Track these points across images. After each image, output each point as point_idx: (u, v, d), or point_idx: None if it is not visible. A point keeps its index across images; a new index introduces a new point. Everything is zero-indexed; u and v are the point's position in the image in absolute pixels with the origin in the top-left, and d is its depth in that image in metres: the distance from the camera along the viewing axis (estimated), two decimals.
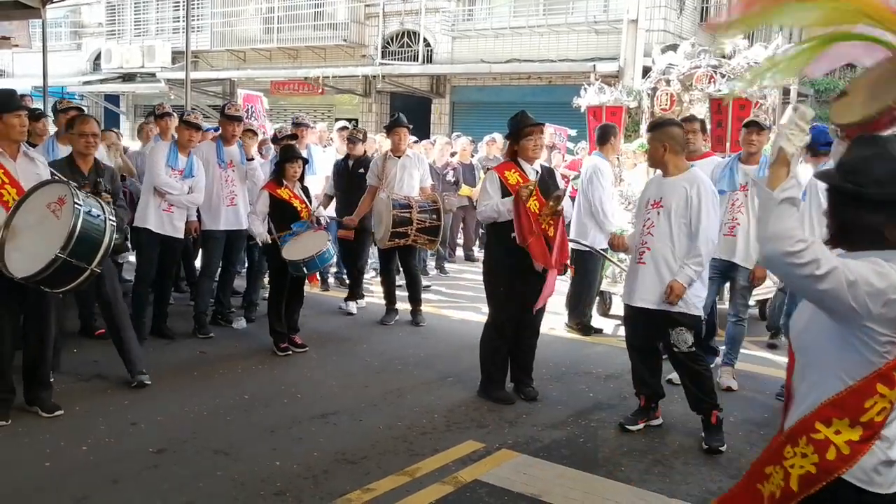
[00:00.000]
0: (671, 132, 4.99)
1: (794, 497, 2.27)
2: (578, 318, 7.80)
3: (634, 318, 5.22)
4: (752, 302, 6.86)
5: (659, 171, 5.15)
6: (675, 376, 6.23)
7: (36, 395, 5.07)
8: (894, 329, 2.16)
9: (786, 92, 8.79)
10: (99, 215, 4.69)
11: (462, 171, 11.28)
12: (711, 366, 6.55)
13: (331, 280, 9.74)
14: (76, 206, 4.51)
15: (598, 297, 8.28)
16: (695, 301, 5.00)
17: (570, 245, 7.18)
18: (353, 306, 8.39)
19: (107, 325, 5.83)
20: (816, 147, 5.84)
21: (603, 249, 7.45)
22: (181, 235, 7.01)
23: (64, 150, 6.67)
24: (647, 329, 5.18)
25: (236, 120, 7.29)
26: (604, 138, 7.67)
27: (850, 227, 2.30)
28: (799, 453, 2.27)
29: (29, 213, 4.67)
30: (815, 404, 2.27)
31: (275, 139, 8.55)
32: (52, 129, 7.65)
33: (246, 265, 8.61)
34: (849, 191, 2.27)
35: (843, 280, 2.11)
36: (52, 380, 5.25)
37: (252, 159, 7.29)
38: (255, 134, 8.46)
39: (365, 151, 8.61)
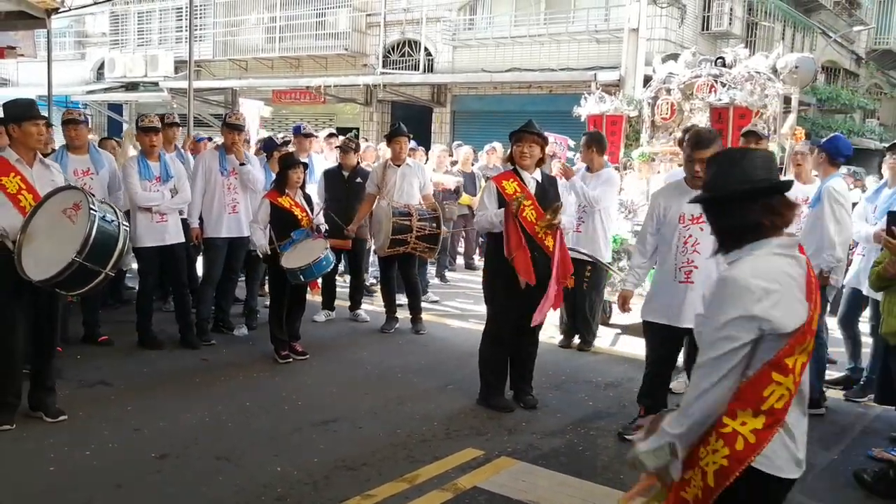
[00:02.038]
0: (721, 143, 4.81)
1: (713, 492, 2.37)
2: (586, 333, 7.68)
3: (670, 338, 5.00)
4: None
5: (677, 182, 4.99)
6: (675, 385, 6.28)
7: (41, 400, 5.12)
8: (780, 319, 2.32)
9: (787, 101, 8.82)
10: (113, 220, 4.79)
11: (463, 180, 11.32)
12: None
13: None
14: (91, 211, 4.62)
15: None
16: None
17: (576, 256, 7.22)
18: (362, 314, 8.45)
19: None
20: (835, 157, 5.92)
21: (609, 263, 7.49)
22: (182, 239, 7.06)
23: (74, 159, 6.72)
24: (677, 347, 5.10)
25: (237, 129, 7.32)
26: (603, 147, 7.63)
27: (729, 229, 2.52)
28: (710, 450, 2.38)
29: (45, 219, 4.77)
30: None
31: (266, 147, 8.59)
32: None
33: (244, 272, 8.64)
34: (719, 195, 2.54)
35: (746, 338, 2.32)
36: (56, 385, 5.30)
37: (244, 164, 7.29)
38: (246, 140, 8.49)
39: (358, 161, 8.64)
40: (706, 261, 4.65)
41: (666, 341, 5.04)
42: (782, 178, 3.01)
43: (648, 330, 5.13)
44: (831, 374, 6.68)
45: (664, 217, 4.95)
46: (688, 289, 4.82)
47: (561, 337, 7.78)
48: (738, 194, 2.47)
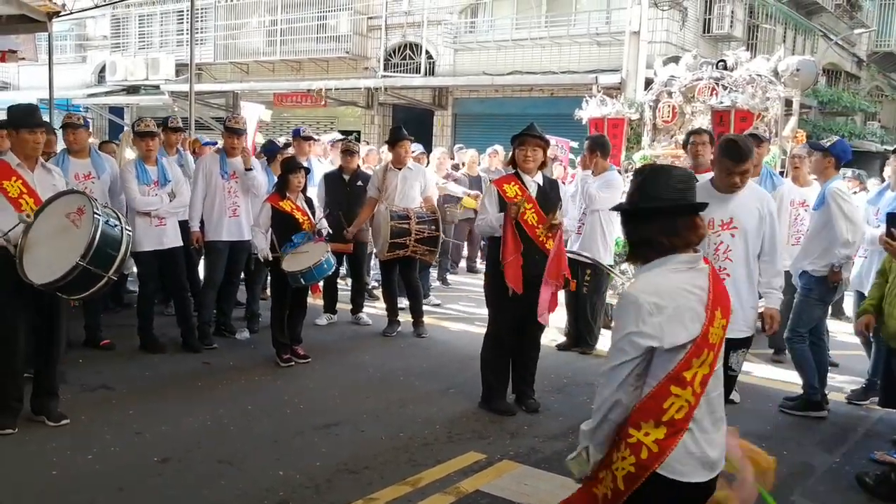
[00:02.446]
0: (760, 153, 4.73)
1: (623, 494, 2.55)
2: (588, 337, 7.69)
3: None
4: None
5: (704, 185, 4.52)
6: None
7: (43, 404, 5.12)
8: (671, 334, 2.47)
9: (788, 104, 8.81)
10: (116, 225, 4.79)
11: (469, 183, 11.34)
12: None
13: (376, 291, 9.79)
14: (95, 216, 4.62)
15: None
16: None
17: (578, 259, 7.24)
18: (364, 317, 8.45)
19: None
20: (842, 161, 5.95)
21: (609, 265, 7.50)
22: (180, 242, 7.08)
23: (75, 162, 6.72)
24: None
25: (237, 133, 7.33)
26: (607, 150, 7.62)
27: (634, 242, 2.65)
28: (620, 457, 2.55)
29: (47, 223, 4.78)
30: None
31: (268, 151, 8.60)
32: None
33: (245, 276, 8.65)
34: (626, 209, 2.67)
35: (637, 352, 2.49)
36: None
37: (250, 169, 7.30)
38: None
39: (358, 165, 8.65)
40: (738, 268, 4.51)
41: None
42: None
43: None
44: (835, 377, 6.67)
45: None
46: None
47: (563, 340, 7.77)
48: (642, 211, 2.60)
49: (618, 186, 7.50)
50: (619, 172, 8.97)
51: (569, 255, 6.15)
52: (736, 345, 4.37)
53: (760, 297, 4.74)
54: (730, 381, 4.46)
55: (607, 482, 2.60)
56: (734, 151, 4.41)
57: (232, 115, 8.25)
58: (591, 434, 2.60)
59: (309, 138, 9.23)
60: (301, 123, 22.68)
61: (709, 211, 4.16)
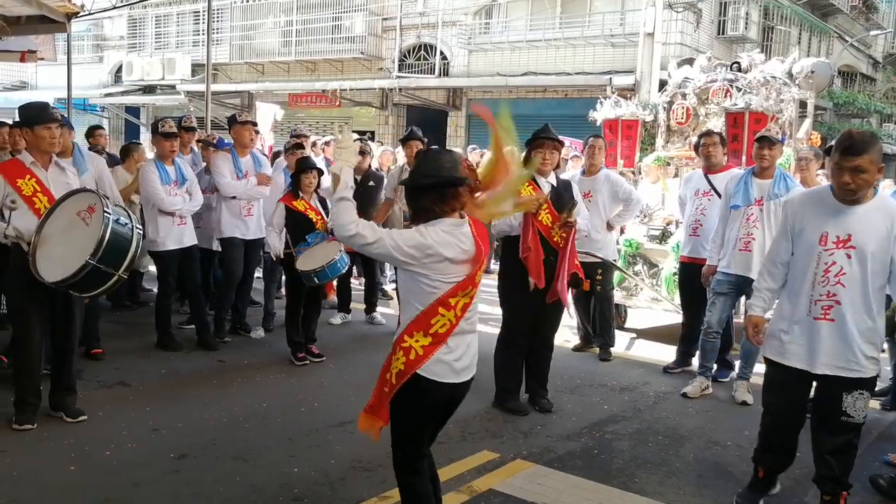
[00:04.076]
0: (881, 148, 3.91)
1: (394, 387, 3.31)
2: (607, 338, 7.67)
3: (796, 383, 4.11)
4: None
5: (820, 193, 4.12)
6: (689, 390, 6.29)
7: (61, 401, 5.18)
8: (439, 273, 3.25)
9: (802, 105, 8.80)
10: (126, 224, 4.81)
11: None
12: (726, 380, 6.62)
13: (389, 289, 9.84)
14: (106, 214, 4.64)
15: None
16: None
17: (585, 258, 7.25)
18: (378, 316, 8.49)
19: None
20: None
21: (613, 260, 7.51)
22: (195, 241, 7.17)
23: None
24: (804, 394, 4.16)
25: (248, 125, 7.41)
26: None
27: (416, 209, 3.36)
28: (396, 358, 3.32)
29: (59, 221, 4.81)
30: (405, 324, 3.35)
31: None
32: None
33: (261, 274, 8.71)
34: (408, 184, 3.40)
35: (389, 244, 3.21)
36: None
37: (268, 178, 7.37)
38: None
39: (370, 165, 8.68)
40: (852, 295, 3.89)
41: (790, 387, 4.14)
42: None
43: (770, 370, 4.25)
44: None
45: (800, 234, 4.06)
46: (824, 327, 3.94)
47: (577, 341, 7.78)
48: (420, 186, 3.32)
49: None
50: (633, 174, 9.02)
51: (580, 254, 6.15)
52: (848, 385, 3.92)
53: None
54: (843, 431, 3.99)
55: (389, 377, 3.34)
56: (843, 142, 3.83)
57: (239, 111, 8.28)
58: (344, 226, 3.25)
59: (301, 135, 9.08)
60: (316, 123, 22.83)
61: (823, 223, 3.96)
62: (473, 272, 3.32)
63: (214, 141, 8.62)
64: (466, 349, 3.41)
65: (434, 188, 3.28)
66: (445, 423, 3.62)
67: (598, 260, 7.26)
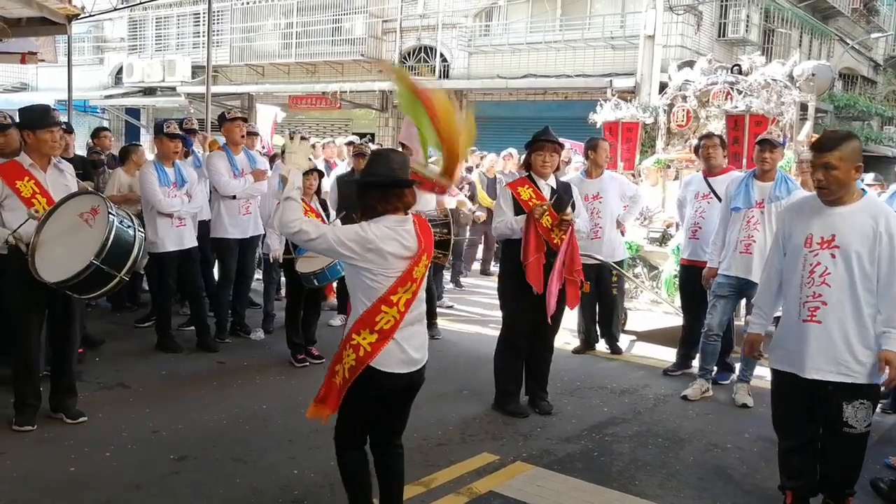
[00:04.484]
0: (858, 147, 3.88)
1: (348, 381, 3.48)
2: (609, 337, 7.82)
3: (790, 390, 4.07)
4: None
5: (810, 197, 4.13)
6: (689, 392, 6.28)
7: (61, 402, 5.18)
8: (381, 267, 3.42)
9: (803, 108, 8.79)
10: (130, 226, 4.83)
11: (486, 185, 11.38)
12: (726, 382, 6.62)
13: None
14: (110, 215, 4.65)
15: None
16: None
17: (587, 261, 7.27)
18: None
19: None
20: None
21: (617, 263, 7.51)
22: (195, 242, 7.17)
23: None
24: (806, 403, 4.03)
25: (238, 121, 7.44)
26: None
27: (363, 205, 3.54)
28: (346, 354, 3.49)
29: (60, 222, 4.81)
30: (352, 321, 3.52)
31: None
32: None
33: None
34: (358, 181, 3.62)
35: (332, 239, 3.41)
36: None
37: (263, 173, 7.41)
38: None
39: None
40: (839, 296, 3.84)
41: (783, 390, 4.13)
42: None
43: (774, 380, 4.23)
44: None
45: (789, 239, 4.08)
46: (812, 329, 3.90)
47: (577, 343, 7.78)
48: (369, 184, 3.52)
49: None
50: (634, 176, 9.01)
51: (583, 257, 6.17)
52: (847, 393, 3.84)
53: None
54: (847, 440, 3.90)
55: (341, 372, 3.51)
56: (816, 140, 3.92)
57: (228, 109, 8.27)
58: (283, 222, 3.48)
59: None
60: (316, 125, 22.84)
61: (808, 226, 3.96)
62: (411, 267, 3.48)
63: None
64: (415, 339, 3.60)
65: (380, 187, 3.49)
66: (406, 412, 3.82)
67: (597, 262, 7.28)
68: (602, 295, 7.62)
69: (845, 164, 3.78)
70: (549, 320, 5.66)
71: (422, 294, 3.60)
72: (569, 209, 5.54)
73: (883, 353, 3.74)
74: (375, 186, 3.49)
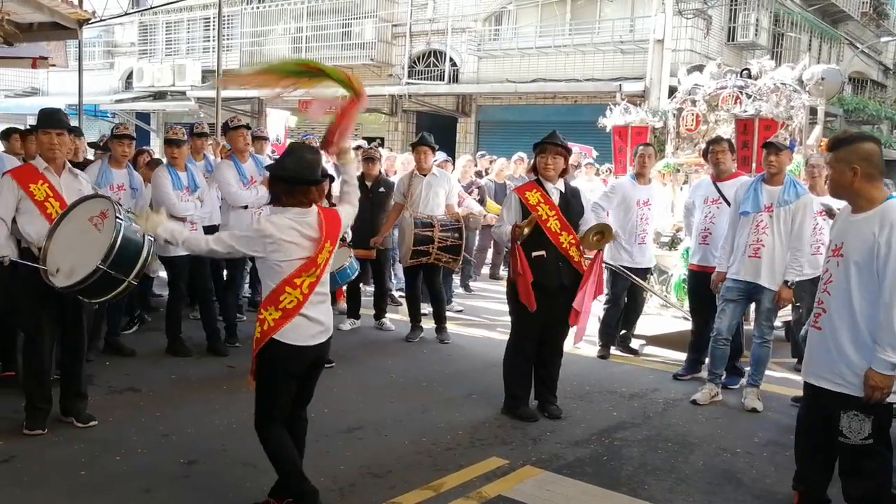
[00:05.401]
0: (864, 150, 3.78)
1: (254, 351, 3.86)
2: (624, 340, 7.91)
3: (805, 394, 4.15)
4: (777, 323, 6.85)
5: (846, 205, 4.00)
6: (699, 397, 6.27)
7: (72, 406, 5.19)
8: (283, 255, 3.74)
9: (813, 112, 8.79)
10: (139, 230, 4.81)
11: (494, 190, 11.37)
12: (736, 387, 6.60)
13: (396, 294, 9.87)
14: (118, 220, 4.65)
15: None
16: None
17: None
18: (387, 322, 8.50)
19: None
20: None
21: (646, 269, 7.57)
22: None
23: (116, 174, 6.74)
24: (816, 409, 4.05)
25: (241, 129, 7.46)
26: None
27: (272, 193, 3.93)
28: (256, 329, 3.84)
29: (71, 226, 4.82)
30: (263, 299, 3.85)
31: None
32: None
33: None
34: (270, 170, 3.96)
35: (236, 245, 3.84)
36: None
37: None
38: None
39: (380, 171, 8.71)
40: (837, 305, 3.82)
41: (806, 397, 4.17)
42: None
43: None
44: None
45: (828, 248, 4.05)
46: (815, 335, 3.96)
47: (599, 347, 7.75)
48: (277, 176, 3.83)
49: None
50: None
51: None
52: (842, 403, 3.80)
53: None
54: (843, 448, 3.87)
55: (252, 346, 3.89)
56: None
57: (233, 117, 8.27)
58: (179, 234, 4.03)
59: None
60: (324, 130, 22.81)
61: (833, 232, 4.03)
62: (315, 255, 3.79)
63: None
64: (319, 318, 3.91)
65: (287, 181, 3.78)
66: (312, 386, 4.14)
67: (612, 268, 7.31)
68: (631, 296, 7.70)
69: (840, 166, 3.78)
70: (558, 324, 5.70)
71: (326, 278, 3.95)
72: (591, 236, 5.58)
73: (868, 370, 3.66)
74: (283, 181, 3.79)
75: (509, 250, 5.62)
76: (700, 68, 9.62)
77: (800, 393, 4.41)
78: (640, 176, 7.48)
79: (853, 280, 3.74)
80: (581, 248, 5.65)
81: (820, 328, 3.91)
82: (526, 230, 5.46)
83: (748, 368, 6.41)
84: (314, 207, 3.87)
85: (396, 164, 11.09)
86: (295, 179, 3.79)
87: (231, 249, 3.86)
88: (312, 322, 3.87)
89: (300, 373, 3.96)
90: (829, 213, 6.39)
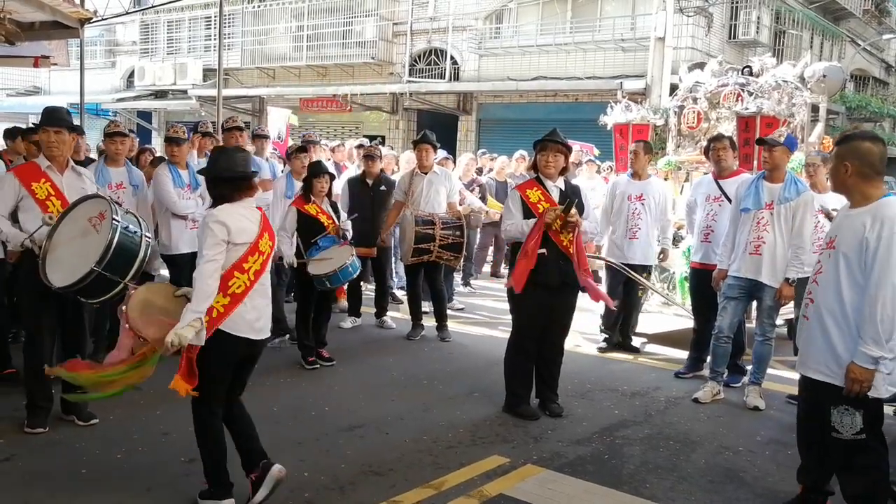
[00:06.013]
0: (860, 148, 3.82)
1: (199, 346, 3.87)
2: (624, 337, 7.93)
3: (799, 386, 4.23)
4: (779, 321, 6.84)
5: (846, 203, 4.05)
6: (701, 395, 6.26)
7: (73, 404, 5.18)
8: (234, 238, 3.91)
9: (814, 109, 8.76)
10: (136, 231, 4.79)
11: (495, 188, 11.36)
12: (738, 385, 6.59)
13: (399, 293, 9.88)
14: (114, 221, 4.62)
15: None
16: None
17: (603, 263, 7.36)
18: (388, 320, 8.50)
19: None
20: None
21: (645, 267, 7.55)
22: None
23: (114, 173, 6.75)
24: (810, 401, 4.09)
25: (234, 132, 7.44)
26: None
27: (215, 194, 4.07)
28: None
29: (71, 226, 4.80)
30: None
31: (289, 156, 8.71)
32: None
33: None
34: (207, 175, 4.15)
35: (218, 258, 3.88)
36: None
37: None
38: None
39: (382, 169, 8.70)
40: (824, 296, 3.87)
41: (799, 391, 4.25)
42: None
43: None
44: None
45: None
46: (805, 325, 4.03)
47: (586, 345, 7.77)
48: (220, 178, 4.05)
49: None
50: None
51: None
52: (832, 396, 3.79)
53: None
54: (835, 443, 3.85)
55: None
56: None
57: (231, 117, 8.28)
58: (200, 306, 3.81)
59: (311, 142, 9.18)
60: (326, 128, 22.89)
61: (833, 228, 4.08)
62: (256, 240, 4.01)
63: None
64: (263, 312, 4.12)
65: (231, 181, 4.04)
66: (246, 376, 4.29)
67: (613, 265, 7.31)
68: (627, 294, 7.67)
69: (836, 161, 3.89)
70: (559, 322, 5.71)
71: (268, 270, 4.14)
72: (573, 210, 5.52)
73: (850, 363, 3.70)
74: (226, 180, 4.05)
75: (525, 237, 5.56)
76: (701, 66, 9.61)
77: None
78: (633, 172, 7.53)
79: (842, 272, 3.78)
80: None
81: (807, 317, 3.98)
82: (558, 212, 5.43)
83: (750, 366, 6.41)
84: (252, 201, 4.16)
85: (400, 161, 11.08)
86: (239, 177, 4.05)
87: (218, 265, 3.90)
88: (258, 314, 4.06)
89: (238, 365, 4.14)
90: (827, 215, 6.38)
